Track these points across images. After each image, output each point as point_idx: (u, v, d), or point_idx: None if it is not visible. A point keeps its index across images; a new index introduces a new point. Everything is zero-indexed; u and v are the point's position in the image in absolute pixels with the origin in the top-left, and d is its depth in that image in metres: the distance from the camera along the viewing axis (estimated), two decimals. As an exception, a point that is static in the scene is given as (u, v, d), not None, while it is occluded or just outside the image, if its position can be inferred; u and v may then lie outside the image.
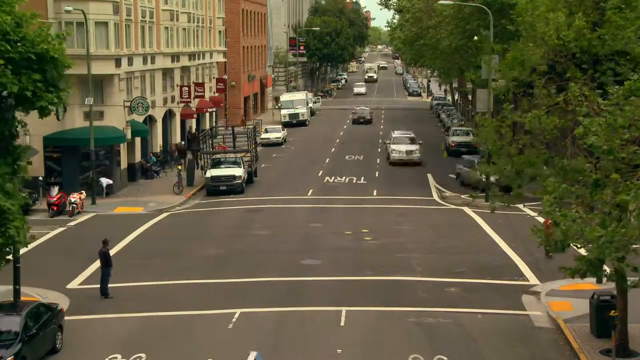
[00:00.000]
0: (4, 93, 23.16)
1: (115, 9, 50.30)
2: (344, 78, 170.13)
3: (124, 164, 53.50)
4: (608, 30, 25.14)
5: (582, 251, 23.00)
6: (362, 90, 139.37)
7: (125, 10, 52.96)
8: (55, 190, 44.94)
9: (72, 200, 45.07)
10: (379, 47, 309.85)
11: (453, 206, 48.05)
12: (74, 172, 49.70)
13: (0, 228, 22.54)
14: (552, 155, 24.71)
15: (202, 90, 67.25)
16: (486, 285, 31.41)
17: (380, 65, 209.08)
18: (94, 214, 45.77)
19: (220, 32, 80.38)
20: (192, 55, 69.06)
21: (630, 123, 21.39)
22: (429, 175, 58.49)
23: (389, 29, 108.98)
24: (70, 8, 46.23)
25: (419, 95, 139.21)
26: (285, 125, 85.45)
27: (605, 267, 22.66)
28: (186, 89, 64.62)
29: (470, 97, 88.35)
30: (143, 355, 24.24)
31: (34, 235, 25.23)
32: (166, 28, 62.19)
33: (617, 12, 24.69)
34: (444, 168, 61.49)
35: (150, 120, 59.45)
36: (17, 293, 27.44)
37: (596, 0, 35.30)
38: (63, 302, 28.60)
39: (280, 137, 77.15)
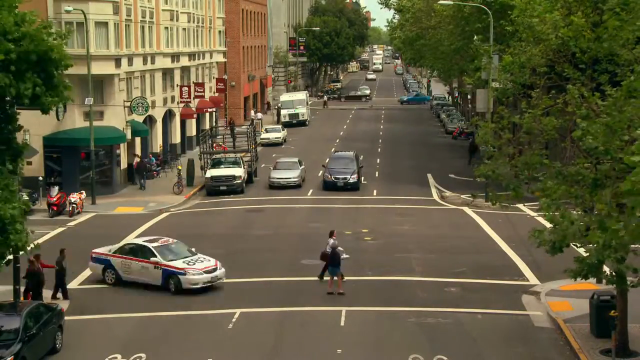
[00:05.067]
0: (4, 92, 23.15)
1: (115, 9, 50.31)
2: (338, 87, 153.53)
3: (124, 164, 53.50)
4: (604, 32, 25.15)
5: (582, 251, 23.00)
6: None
7: (125, 10, 52.96)
8: (55, 190, 44.93)
9: (72, 200, 45.08)
10: (375, 46, 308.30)
11: (453, 206, 48.06)
12: (74, 172, 49.69)
13: (1, 234, 22.52)
14: (549, 156, 24.71)
15: (202, 90, 67.25)
16: (486, 285, 31.42)
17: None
18: (94, 214, 45.78)
19: (220, 32, 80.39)
20: (192, 55, 69.07)
21: (629, 124, 21.38)
22: (429, 175, 58.51)
23: (389, 28, 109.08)
24: (70, 8, 46.26)
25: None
26: (285, 125, 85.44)
27: (605, 267, 22.65)
28: (186, 89, 64.62)
29: (469, 97, 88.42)
30: (143, 355, 24.25)
31: (38, 245, 25.19)
32: (166, 28, 62.20)
33: (614, 14, 24.67)
34: (444, 168, 61.54)
35: (150, 120, 59.46)
36: (17, 293, 27.48)
37: (595, 0, 35.28)
38: (63, 302, 28.61)
39: (280, 137, 77.18)
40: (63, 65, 23.78)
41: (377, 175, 59.31)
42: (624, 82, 22.16)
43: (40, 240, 34.90)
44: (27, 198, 28.36)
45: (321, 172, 56.26)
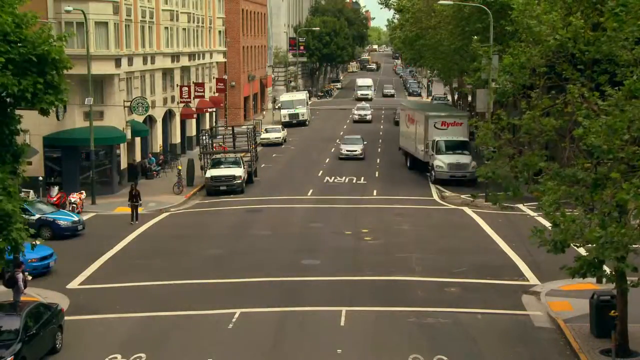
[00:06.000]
0: (4, 94, 23.15)
1: (115, 9, 50.31)
2: (338, 87, 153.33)
3: (124, 164, 53.51)
4: (602, 36, 25.11)
5: (582, 251, 23.00)
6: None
7: (125, 10, 52.96)
8: (55, 190, 44.95)
9: (72, 200, 45.07)
10: (375, 46, 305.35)
11: (453, 206, 48.05)
12: (74, 172, 49.70)
13: (2, 231, 22.51)
14: (548, 157, 24.70)
15: (202, 90, 67.27)
16: (486, 285, 31.42)
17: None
18: (94, 214, 45.77)
19: (220, 32, 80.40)
20: (192, 55, 69.08)
21: (629, 124, 21.37)
22: (429, 175, 58.44)
23: (389, 28, 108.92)
24: (70, 8, 46.25)
25: (419, 95, 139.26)
26: (285, 125, 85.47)
27: (605, 267, 22.67)
28: (186, 89, 64.64)
29: (469, 97, 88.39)
30: (143, 355, 24.25)
31: (36, 242, 25.24)
32: (166, 28, 62.21)
33: (613, 15, 24.62)
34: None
35: (150, 120, 59.48)
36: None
37: (594, 1, 35.23)
38: (63, 302, 28.62)
39: (280, 137, 77.20)
40: (62, 67, 23.78)
41: (377, 175, 59.30)
42: (626, 82, 22.13)
43: (40, 241, 34.91)
44: (28, 197, 28.32)
45: (321, 172, 56.27)
